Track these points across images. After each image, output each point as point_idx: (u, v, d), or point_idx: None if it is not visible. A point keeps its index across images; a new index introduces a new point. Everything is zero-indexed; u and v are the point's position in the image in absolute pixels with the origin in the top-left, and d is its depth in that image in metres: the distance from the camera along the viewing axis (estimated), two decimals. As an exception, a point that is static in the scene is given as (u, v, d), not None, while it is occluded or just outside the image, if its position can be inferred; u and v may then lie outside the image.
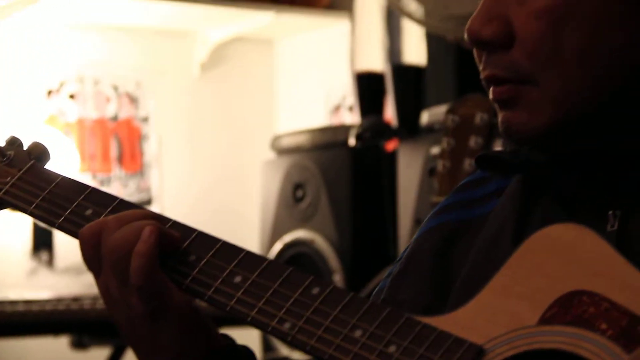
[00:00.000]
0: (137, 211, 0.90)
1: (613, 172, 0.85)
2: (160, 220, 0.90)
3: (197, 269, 0.88)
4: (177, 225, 0.91)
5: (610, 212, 0.83)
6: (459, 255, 0.91)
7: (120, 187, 3.52)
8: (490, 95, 0.86)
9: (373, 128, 2.71)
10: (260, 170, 3.05)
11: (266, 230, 2.94)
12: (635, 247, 0.80)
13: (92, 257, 0.89)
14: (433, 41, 2.67)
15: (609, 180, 0.85)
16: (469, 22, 0.85)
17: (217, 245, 0.89)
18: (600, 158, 0.85)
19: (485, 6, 0.85)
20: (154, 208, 3.47)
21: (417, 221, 2.39)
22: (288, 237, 2.85)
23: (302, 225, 2.81)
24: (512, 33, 0.84)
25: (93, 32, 3.46)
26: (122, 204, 0.93)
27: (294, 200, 2.85)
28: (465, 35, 0.85)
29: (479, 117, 1.98)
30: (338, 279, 2.68)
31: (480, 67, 0.86)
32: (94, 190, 0.95)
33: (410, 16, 2.54)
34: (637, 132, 0.84)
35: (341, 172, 2.73)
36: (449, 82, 2.64)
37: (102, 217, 0.92)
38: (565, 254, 0.76)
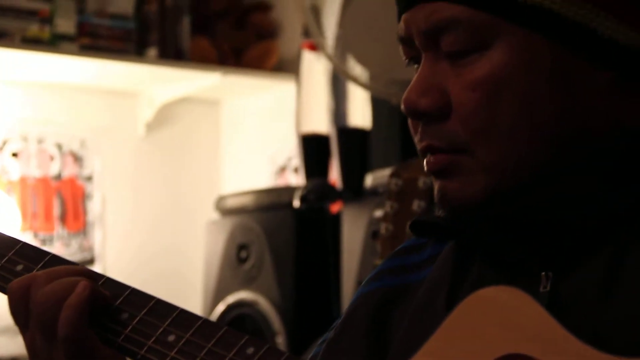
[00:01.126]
0: (69, 267, 0.91)
1: (545, 233, 0.87)
2: (93, 276, 0.90)
3: (129, 327, 0.88)
4: (110, 281, 0.91)
5: (542, 274, 0.85)
6: (394, 321, 0.92)
7: (62, 247, 3.50)
8: (426, 166, 0.88)
9: (317, 190, 2.73)
10: (204, 230, 3.05)
11: (209, 291, 2.93)
12: (567, 308, 0.82)
13: (20, 311, 0.89)
14: (378, 105, 2.71)
15: (541, 241, 0.87)
16: (405, 93, 0.87)
17: (151, 304, 0.89)
18: (532, 221, 0.88)
19: (422, 77, 0.88)
20: (96, 268, 3.45)
21: (360, 283, 2.40)
22: (231, 299, 2.84)
23: (245, 287, 2.81)
24: (448, 104, 0.86)
25: (38, 90, 3.46)
26: (53, 260, 0.93)
27: (237, 261, 2.85)
28: (402, 106, 0.87)
29: (422, 181, 2.00)
30: (281, 340, 2.67)
31: (416, 138, 0.88)
32: (25, 245, 0.95)
33: (356, 80, 2.58)
34: (567, 198, 0.87)
35: (285, 234, 2.74)
36: (394, 146, 2.67)
37: (32, 272, 0.92)
38: (500, 317, 0.78)
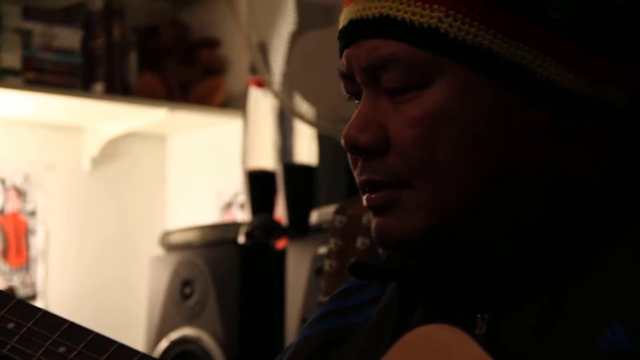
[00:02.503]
0: None
1: (481, 274, 0.88)
2: None
3: (17, 337, 0.87)
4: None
5: (478, 316, 0.86)
6: None
7: (3, 282, 3.45)
8: (365, 202, 0.88)
9: (263, 226, 2.73)
10: (149, 266, 3.03)
11: (152, 327, 2.90)
12: (503, 351, 0.83)
13: None
14: (324, 142, 2.72)
15: (477, 282, 0.88)
16: (345, 129, 0.88)
17: (39, 315, 0.88)
18: (470, 262, 0.88)
19: (361, 114, 0.88)
20: (39, 303, 3.40)
21: (304, 320, 2.39)
22: (174, 335, 2.82)
23: (189, 323, 2.79)
24: (387, 140, 0.87)
25: (-18, 123, 3.43)
26: None
27: (181, 297, 2.83)
28: (342, 142, 0.88)
29: (366, 219, 2.00)
30: (224, 378, 2.66)
31: (356, 172, 0.89)
32: None
33: (302, 117, 2.59)
34: (504, 239, 0.87)
35: (230, 270, 2.73)
36: (339, 183, 2.67)
37: None
38: (438, 354, 0.78)
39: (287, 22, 2.54)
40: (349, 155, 0.89)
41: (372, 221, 0.88)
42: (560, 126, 0.87)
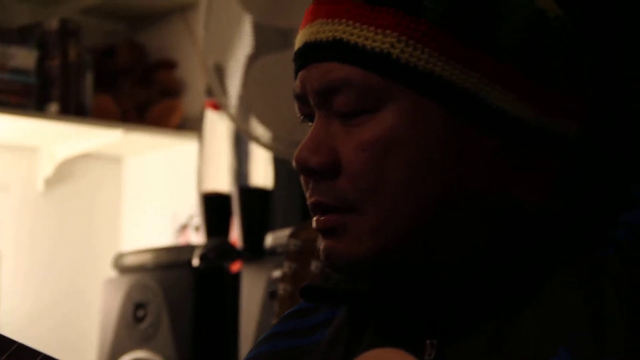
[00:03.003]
0: None
1: (430, 301, 0.88)
2: None
3: None
4: None
5: (427, 341, 0.86)
6: None
7: (-46, 303, 3.41)
8: (314, 224, 0.89)
9: (217, 249, 2.72)
10: (102, 288, 3.01)
11: (105, 350, 2.88)
12: None
13: None
14: (280, 165, 2.72)
15: (427, 309, 0.88)
16: (297, 151, 0.88)
17: None
18: (419, 288, 0.89)
19: (313, 136, 0.89)
20: (-11, 325, 3.37)
21: (257, 344, 2.39)
22: (127, 358, 2.80)
23: (142, 346, 2.77)
24: (338, 163, 0.87)
25: None
26: None
27: (134, 320, 2.81)
28: (294, 163, 0.88)
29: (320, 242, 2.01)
30: (177, 401, 2.64)
31: (307, 194, 0.89)
32: None
33: (258, 140, 2.59)
34: (452, 265, 0.88)
35: (184, 293, 2.72)
36: (295, 206, 2.68)
37: None
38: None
39: (244, 45, 2.54)
40: (301, 177, 0.90)
41: (321, 243, 0.89)
42: (509, 154, 0.88)
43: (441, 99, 0.86)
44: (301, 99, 0.91)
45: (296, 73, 0.92)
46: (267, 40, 2.51)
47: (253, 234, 2.71)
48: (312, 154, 0.88)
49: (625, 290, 0.81)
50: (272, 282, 2.36)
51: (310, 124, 0.91)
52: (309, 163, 0.88)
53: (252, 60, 2.48)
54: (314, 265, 2.00)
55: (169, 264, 2.81)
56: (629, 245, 0.84)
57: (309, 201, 0.89)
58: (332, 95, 0.88)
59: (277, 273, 2.26)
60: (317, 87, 0.89)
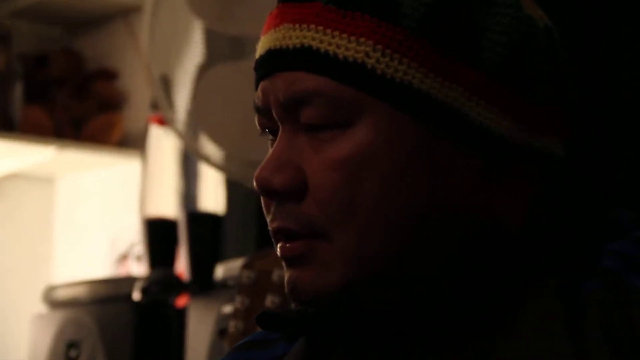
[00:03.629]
0: None
1: (402, 331, 0.88)
2: None
3: None
4: None
5: None
6: None
7: None
8: (279, 252, 0.89)
9: (161, 281, 2.71)
10: (30, 325, 2.99)
11: (33, 395, 2.86)
12: None
13: None
14: (233, 188, 2.72)
15: (398, 340, 0.88)
16: (259, 169, 0.88)
17: None
18: (390, 317, 0.89)
19: (277, 153, 0.89)
20: None
21: (205, 388, 2.38)
22: (58, 403, 2.78)
23: (74, 390, 2.75)
24: (304, 183, 0.87)
25: None
26: None
27: (66, 361, 2.79)
28: (254, 183, 0.88)
29: (277, 274, 2.01)
30: None
31: (269, 218, 0.89)
32: None
33: (208, 160, 2.58)
34: (426, 293, 0.88)
35: (122, 330, 2.70)
36: (249, 234, 2.68)
37: None
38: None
39: (193, 54, 2.54)
40: (262, 199, 0.90)
41: (285, 273, 0.88)
42: (490, 172, 0.88)
43: (419, 114, 0.86)
44: (262, 111, 0.91)
45: (257, 83, 0.92)
46: (219, 49, 2.52)
47: (202, 264, 2.70)
48: (275, 172, 0.87)
49: (615, 324, 0.82)
50: (222, 319, 2.35)
51: (272, 139, 0.91)
52: (272, 183, 0.87)
53: (202, 70, 2.48)
54: (270, 300, 2.00)
55: (106, 297, 2.80)
56: (616, 277, 0.84)
57: (270, 226, 0.89)
58: (299, 107, 0.88)
59: (227, 308, 2.26)
60: (282, 98, 0.89)
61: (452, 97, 0.87)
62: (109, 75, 3.62)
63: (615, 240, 0.88)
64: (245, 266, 2.05)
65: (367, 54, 0.86)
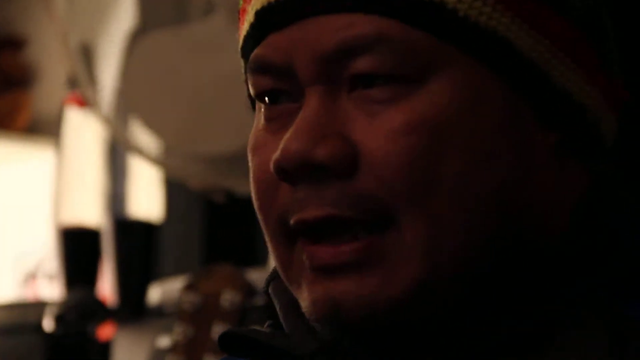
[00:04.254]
0: None
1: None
2: None
3: None
4: None
5: None
6: None
7: None
8: (311, 260, 0.85)
9: (80, 306, 2.71)
10: None
11: None
12: None
13: None
14: (173, 189, 2.72)
15: None
16: (285, 142, 0.84)
17: None
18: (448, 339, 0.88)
19: (311, 118, 0.86)
20: None
21: None
22: None
23: None
24: (355, 155, 0.85)
25: None
26: None
27: (-41, 406, 2.79)
28: (278, 163, 0.84)
29: (228, 298, 2.01)
30: None
31: (292, 208, 0.85)
32: None
33: (141, 153, 2.58)
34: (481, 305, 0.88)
35: (31, 367, 2.70)
36: (192, 247, 2.68)
37: None
38: None
39: (122, 18, 2.54)
40: (258, 189, 0.87)
41: (308, 288, 0.87)
42: (561, 151, 0.89)
43: (503, 70, 0.86)
44: (273, 69, 0.87)
45: (262, 35, 0.88)
46: (155, 11, 2.51)
47: (131, 285, 2.71)
48: (316, 143, 0.84)
49: None
50: (158, 353, 2.35)
51: (270, 106, 0.88)
52: (313, 157, 0.84)
53: (135, 38, 2.48)
54: (217, 330, 1.99)
55: (10, 327, 2.79)
56: None
57: (298, 218, 0.85)
58: (349, 59, 0.86)
59: (164, 341, 2.26)
60: (327, 48, 0.85)
61: (538, 51, 0.87)
62: (15, 44, 3.62)
63: None
64: (188, 287, 2.05)
65: None
